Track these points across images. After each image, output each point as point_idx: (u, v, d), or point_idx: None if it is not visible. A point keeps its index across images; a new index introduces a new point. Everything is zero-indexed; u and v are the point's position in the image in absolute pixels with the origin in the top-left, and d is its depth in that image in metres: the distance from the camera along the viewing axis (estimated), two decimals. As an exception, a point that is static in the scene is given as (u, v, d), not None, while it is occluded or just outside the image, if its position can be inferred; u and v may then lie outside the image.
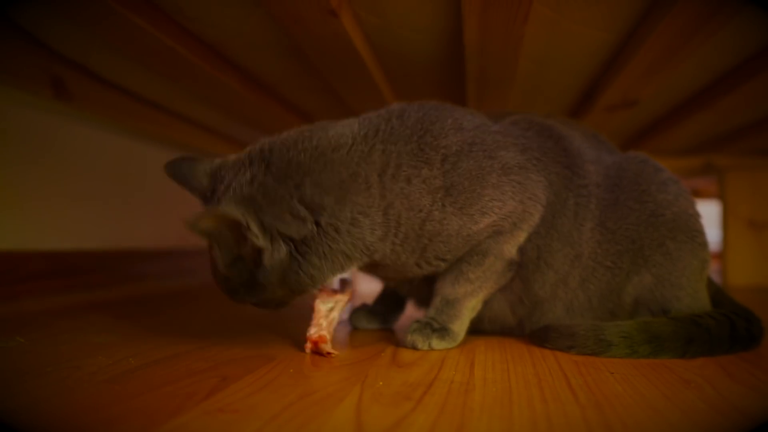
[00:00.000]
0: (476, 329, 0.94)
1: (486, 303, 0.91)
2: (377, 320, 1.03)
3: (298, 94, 1.46)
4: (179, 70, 1.21)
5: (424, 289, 0.92)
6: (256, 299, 0.79)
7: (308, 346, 0.79)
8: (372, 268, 0.88)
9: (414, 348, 0.83)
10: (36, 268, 1.35)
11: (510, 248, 0.86)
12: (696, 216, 0.92)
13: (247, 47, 1.15)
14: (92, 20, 0.99)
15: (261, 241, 0.73)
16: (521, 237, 0.87)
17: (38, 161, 1.39)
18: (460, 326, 0.86)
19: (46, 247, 1.41)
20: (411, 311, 1.06)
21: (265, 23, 1.02)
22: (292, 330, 0.96)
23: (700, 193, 2.73)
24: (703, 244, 0.91)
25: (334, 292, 0.85)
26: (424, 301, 0.96)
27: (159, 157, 1.88)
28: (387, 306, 1.05)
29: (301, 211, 0.75)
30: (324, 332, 0.79)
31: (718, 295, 0.96)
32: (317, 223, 0.76)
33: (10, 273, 1.28)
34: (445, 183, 0.81)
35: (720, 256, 2.01)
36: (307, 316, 0.82)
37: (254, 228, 0.71)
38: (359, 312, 1.04)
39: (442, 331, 0.84)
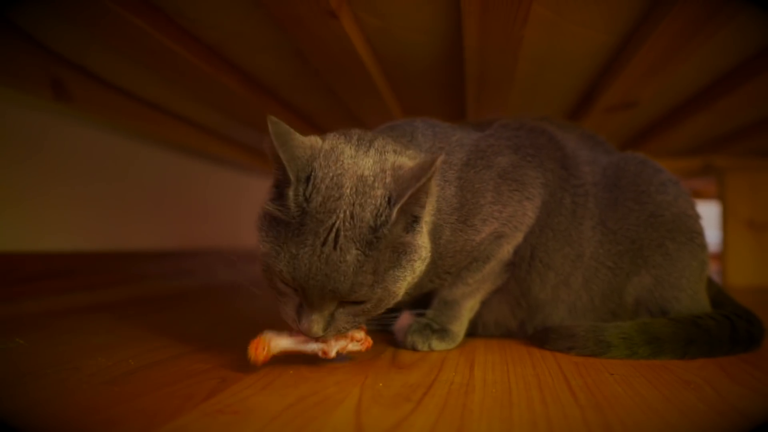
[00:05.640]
0: (478, 333, 0.93)
1: (487, 306, 0.91)
2: (376, 321, 1.03)
3: (298, 95, 1.46)
4: (179, 71, 1.21)
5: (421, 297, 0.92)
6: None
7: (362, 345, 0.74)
8: None
9: (414, 349, 0.83)
10: (35, 269, 1.35)
11: (510, 249, 0.87)
12: (695, 217, 0.92)
13: (246, 48, 1.15)
14: (92, 21, 0.99)
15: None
16: (520, 237, 0.87)
17: (38, 162, 1.39)
18: (460, 327, 0.87)
19: (46, 248, 1.41)
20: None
21: (265, 25, 1.02)
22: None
23: (699, 194, 2.73)
24: (703, 245, 0.91)
25: None
26: (421, 307, 0.95)
27: (158, 158, 1.89)
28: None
29: None
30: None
31: (719, 296, 0.96)
32: None
33: (9, 274, 1.27)
34: (459, 201, 0.81)
35: (719, 256, 2.01)
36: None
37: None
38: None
39: (442, 332, 0.84)
